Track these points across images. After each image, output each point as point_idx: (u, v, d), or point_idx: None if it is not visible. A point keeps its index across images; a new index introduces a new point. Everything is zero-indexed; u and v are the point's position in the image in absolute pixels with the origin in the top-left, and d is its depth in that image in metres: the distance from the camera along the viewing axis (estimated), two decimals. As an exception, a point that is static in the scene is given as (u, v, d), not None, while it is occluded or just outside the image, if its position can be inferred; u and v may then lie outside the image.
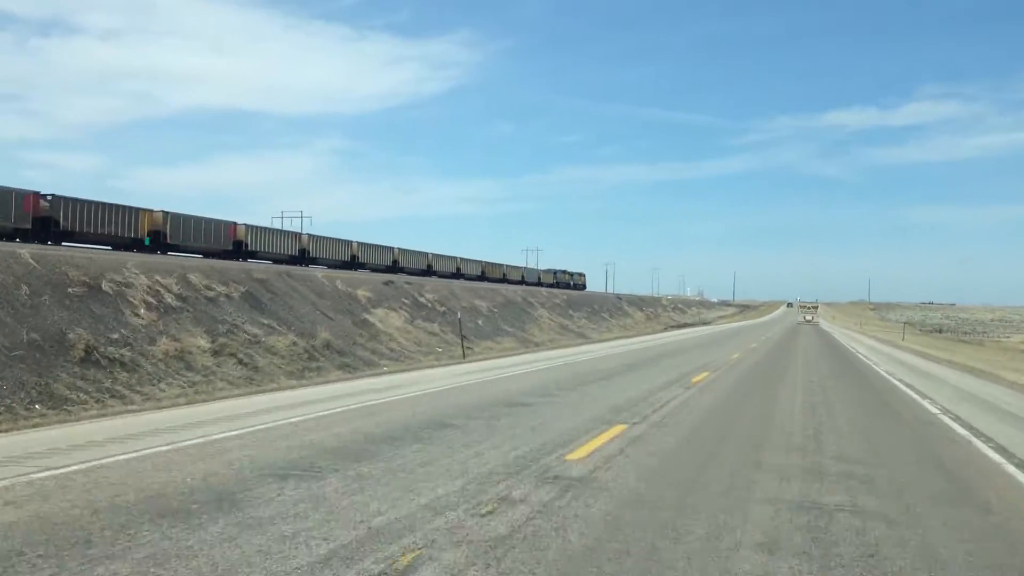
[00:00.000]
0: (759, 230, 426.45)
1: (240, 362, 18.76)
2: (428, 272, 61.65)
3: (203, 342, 18.55)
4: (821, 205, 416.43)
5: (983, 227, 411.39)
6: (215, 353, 18.47)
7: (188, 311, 19.53)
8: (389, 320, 29.71)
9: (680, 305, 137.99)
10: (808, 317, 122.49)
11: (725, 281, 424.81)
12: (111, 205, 37.45)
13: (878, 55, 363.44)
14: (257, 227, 48.26)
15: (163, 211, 40.39)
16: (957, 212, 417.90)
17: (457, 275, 65.61)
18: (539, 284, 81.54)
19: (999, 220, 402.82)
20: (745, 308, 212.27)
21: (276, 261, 44.43)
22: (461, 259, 69.76)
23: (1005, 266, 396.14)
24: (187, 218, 41.93)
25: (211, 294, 20.95)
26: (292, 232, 55.28)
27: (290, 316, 23.66)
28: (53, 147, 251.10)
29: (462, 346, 29.26)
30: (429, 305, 35.31)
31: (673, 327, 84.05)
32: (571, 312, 59.90)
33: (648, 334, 62.35)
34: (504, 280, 72.85)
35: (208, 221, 43.73)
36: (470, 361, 26.79)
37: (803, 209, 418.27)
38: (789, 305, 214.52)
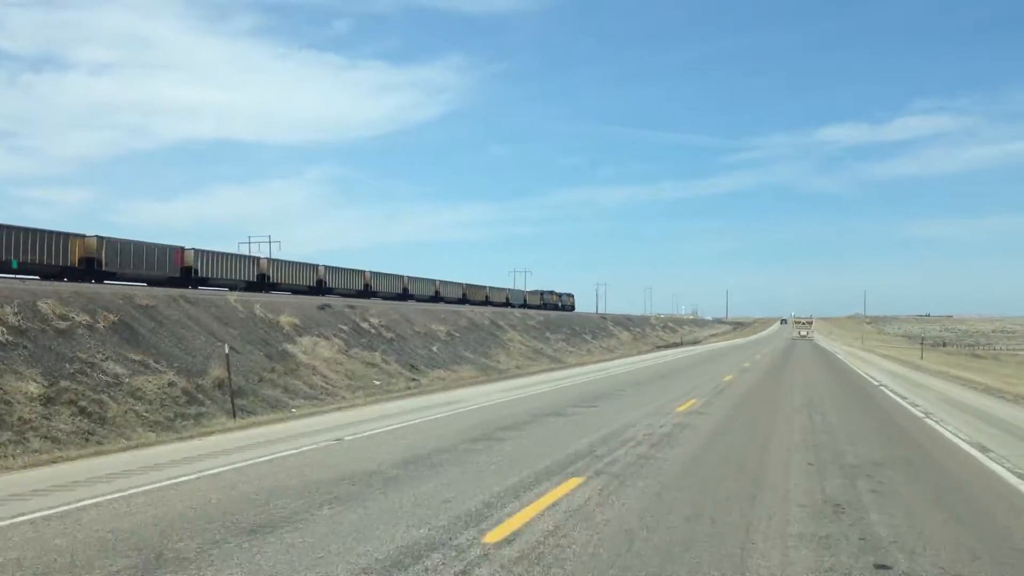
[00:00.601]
0: (754, 247, 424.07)
1: (81, 411, 15.39)
2: (404, 296, 58.52)
3: (34, 387, 15.20)
4: (816, 220, 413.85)
5: (978, 238, 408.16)
6: (47, 401, 15.11)
7: (24, 347, 16.19)
8: (317, 351, 26.34)
9: (671, 324, 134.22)
10: (802, 333, 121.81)
11: (719, 299, 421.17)
12: (36, 231, 34.51)
13: (868, 70, 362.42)
14: (208, 251, 44.88)
15: (97, 236, 37.38)
16: (952, 224, 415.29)
17: (436, 298, 62.58)
18: (525, 306, 78.29)
19: (994, 231, 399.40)
20: (739, 325, 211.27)
21: (232, 288, 41.07)
22: (440, 281, 66.66)
23: (1000, 276, 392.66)
24: (125, 243, 38.83)
25: (64, 325, 17.59)
26: (250, 256, 51.47)
27: (176, 350, 20.28)
28: (48, 183, 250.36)
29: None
30: (373, 331, 31.92)
31: (661, 347, 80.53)
32: (547, 335, 56.38)
33: (632, 355, 58.81)
34: (487, 302, 69.56)
35: (151, 246, 40.63)
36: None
37: (798, 225, 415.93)
38: (783, 322, 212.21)
